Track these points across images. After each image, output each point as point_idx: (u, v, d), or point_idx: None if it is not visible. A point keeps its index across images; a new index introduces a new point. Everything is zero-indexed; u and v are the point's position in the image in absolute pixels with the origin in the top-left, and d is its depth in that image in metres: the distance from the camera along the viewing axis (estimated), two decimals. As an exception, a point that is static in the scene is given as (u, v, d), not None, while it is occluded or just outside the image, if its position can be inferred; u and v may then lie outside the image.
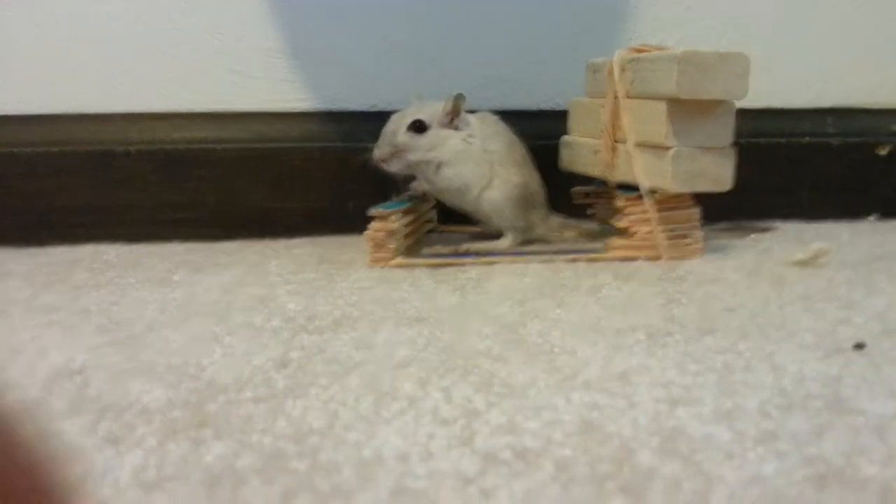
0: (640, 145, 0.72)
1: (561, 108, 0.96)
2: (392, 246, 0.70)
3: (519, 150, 0.80)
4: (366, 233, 0.70)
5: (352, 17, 0.90)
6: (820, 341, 0.48)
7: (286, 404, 0.39)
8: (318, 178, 0.90)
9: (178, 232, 0.87)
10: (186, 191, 0.88)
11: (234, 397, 0.40)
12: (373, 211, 0.70)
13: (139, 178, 0.87)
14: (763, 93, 0.94)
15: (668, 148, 0.69)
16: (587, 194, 0.84)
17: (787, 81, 0.98)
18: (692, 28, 0.96)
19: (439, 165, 0.76)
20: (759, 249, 0.76)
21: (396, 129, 0.75)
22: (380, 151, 0.75)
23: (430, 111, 0.76)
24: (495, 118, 0.81)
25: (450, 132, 0.76)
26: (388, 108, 0.93)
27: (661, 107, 0.69)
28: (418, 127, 0.75)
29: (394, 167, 0.75)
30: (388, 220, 0.70)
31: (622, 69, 0.74)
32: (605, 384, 0.41)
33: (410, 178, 0.81)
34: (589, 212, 0.86)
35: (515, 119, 0.91)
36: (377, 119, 0.92)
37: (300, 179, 0.89)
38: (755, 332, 0.49)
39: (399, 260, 0.70)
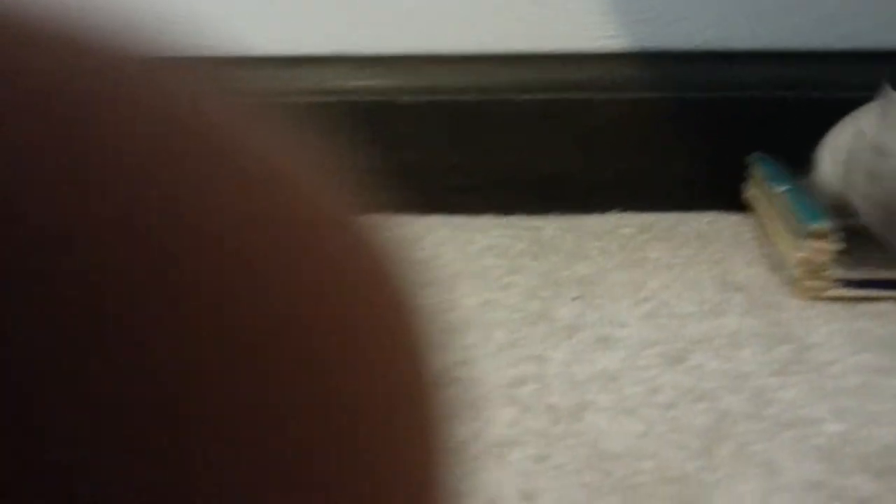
0: None
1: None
2: (828, 273, 0.52)
3: None
4: (799, 255, 0.52)
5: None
6: None
7: None
8: (632, 136, 0.71)
9: (463, 201, 0.72)
10: (474, 152, 0.71)
11: None
12: (813, 228, 0.52)
13: (421, 134, 0.71)
14: None
15: None
16: None
17: None
18: None
19: None
20: None
21: None
22: None
23: None
24: None
25: None
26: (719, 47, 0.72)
27: None
28: None
29: None
30: (826, 240, 0.52)
31: None
32: None
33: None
34: None
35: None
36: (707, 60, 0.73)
37: (610, 138, 0.71)
38: None
39: (839, 291, 0.53)
